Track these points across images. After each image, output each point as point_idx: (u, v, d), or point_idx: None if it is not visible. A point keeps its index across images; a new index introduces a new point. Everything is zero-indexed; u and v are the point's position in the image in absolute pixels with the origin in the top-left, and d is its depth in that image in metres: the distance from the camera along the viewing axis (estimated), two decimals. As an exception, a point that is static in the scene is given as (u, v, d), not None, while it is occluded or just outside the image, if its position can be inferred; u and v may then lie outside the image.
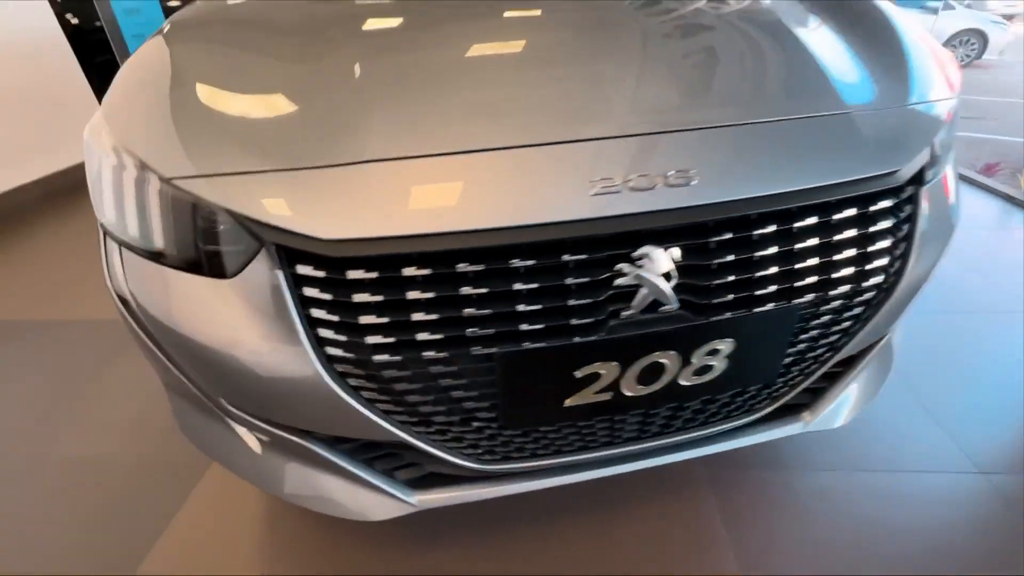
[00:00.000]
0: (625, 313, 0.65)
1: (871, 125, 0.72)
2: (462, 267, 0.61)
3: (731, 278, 0.66)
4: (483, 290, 0.61)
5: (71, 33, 4.81)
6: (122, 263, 0.76)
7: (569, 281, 0.63)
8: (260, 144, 0.66)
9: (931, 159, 0.80)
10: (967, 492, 1.13)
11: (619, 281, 0.64)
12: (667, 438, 0.84)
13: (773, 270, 0.67)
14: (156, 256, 0.70)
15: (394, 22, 0.90)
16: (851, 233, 0.70)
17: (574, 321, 0.64)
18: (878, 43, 0.89)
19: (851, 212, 0.69)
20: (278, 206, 0.61)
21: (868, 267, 0.72)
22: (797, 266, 0.68)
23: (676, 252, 0.64)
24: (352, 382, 0.67)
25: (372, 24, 0.90)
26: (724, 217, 0.64)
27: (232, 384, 0.73)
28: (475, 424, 0.72)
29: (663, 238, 0.64)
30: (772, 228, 0.66)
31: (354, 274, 0.61)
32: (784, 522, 1.09)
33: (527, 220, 0.61)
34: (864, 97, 0.76)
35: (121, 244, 0.75)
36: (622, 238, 0.63)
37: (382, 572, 1.01)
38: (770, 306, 0.69)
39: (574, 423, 0.76)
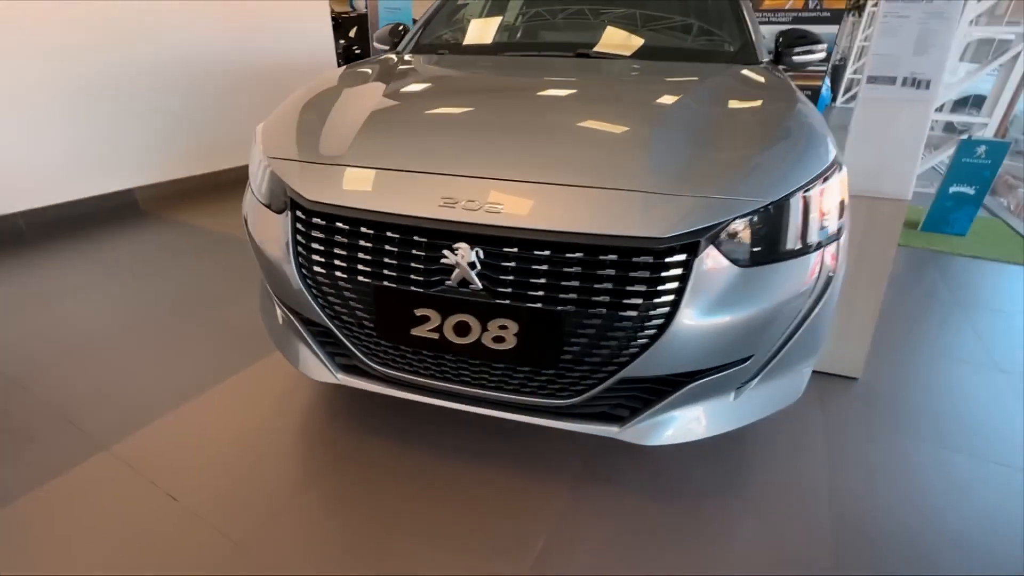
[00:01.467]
0: (447, 283, 1.05)
1: (646, 204, 0.99)
2: (363, 229, 1.09)
3: (511, 277, 1.01)
4: (369, 244, 1.08)
5: (347, 59, 6.63)
6: (247, 199, 1.43)
7: (415, 252, 1.06)
8: (302, 146, 1.25)
9: (753, 244, 1.03)
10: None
11: (443, 261, 1.04)
12: (492, 391, 1.18)
13: (543, 280, 1.00)
14: (258, 197, 1.34)
15: (416, 92, 1.46)
16: (609, 272, 0.98)
17: (413, 276, 1.07)
18: (728, 147, 1.11)
19: (612, 257, 0.98)
20: (294, 178, 1.18)
21: (624, 302, 0.99)
22: (562, 283, 0.99)
23: (480, 252, 1.02)
24: (308, 283, 1.20)
25: (397, 91, 1.49)
26: (513, 237, 1.00)
27: (269, 275, 1.32)
28: (364, 329, 1.19)
29: (475, 241, 1.02)
30: (547, 252, 0.99)
31: (315, 220, 1.14)
32: (603, 537, 1.26)
33: (398, 211, 1.06)
34: (654, 182, 1.02)
35: (250, 189, 1.41)
36: (450, 236, 1.03)
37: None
38: (539, 305, 1.01)
39: (420, 350, 1.16)
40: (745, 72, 1.65)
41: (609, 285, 0.99)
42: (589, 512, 1.32)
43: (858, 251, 1.76)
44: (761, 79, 1.58)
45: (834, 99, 11.63)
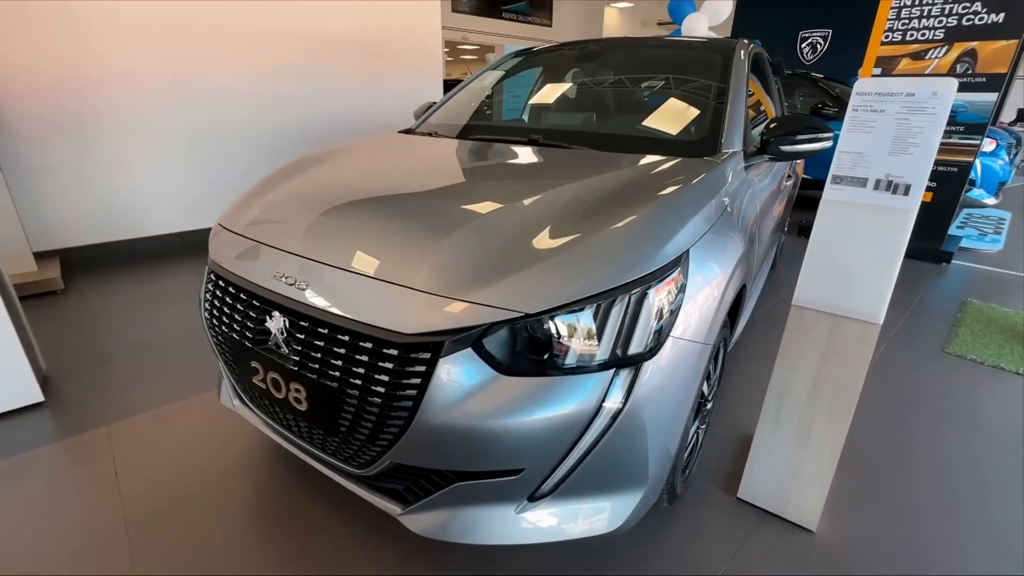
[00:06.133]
0: (269, 343, 1.23)
1: (407, 300, 1.03)
2: (230, 288, 1.33)
3: (300, 348, 1.14)
4: (228, 300, 1.32)
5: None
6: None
7: (251, 313, 1.26)
8: (227, 216, 1.55)
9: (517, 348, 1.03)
10: None
11: (266, 324, 1.22)
12: (308, 444, 1.29)
13: (319, 355, 1.11)
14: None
15: (332, 171, 1.67)
16: (363, 358, 1.05)
17: (247, 333, 1.26)
18: (529, 251, 1.08)
19: (367, 345, 1.05)
20: (212, 239, 1.48)
21: (373, 388, 1.04)
22: (332, 360, 1.09)
23: (286, 321, 1.17)
24: (209, 325, 1.47)
25: (319, 170, 1.70)
26: (305, 313, 1.13)
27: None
28: (233, 369, 1.41)
29: (285, 312, 1.18)
30: (325, 331, 1.11)
31: (211, 275, 1.42)
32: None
33: (245, 276, 1.28)
34: (425, 281, 1.05)
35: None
36: (271, 304, 1.21)
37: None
38: (314, 376, 1.12)
39: (263, 397, 1.33)
40: (662, 163, 1.54)
41: (362, 370, 1.06)
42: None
43: (816, 377, 1.47)
44: (661, 172, 1.46)
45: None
